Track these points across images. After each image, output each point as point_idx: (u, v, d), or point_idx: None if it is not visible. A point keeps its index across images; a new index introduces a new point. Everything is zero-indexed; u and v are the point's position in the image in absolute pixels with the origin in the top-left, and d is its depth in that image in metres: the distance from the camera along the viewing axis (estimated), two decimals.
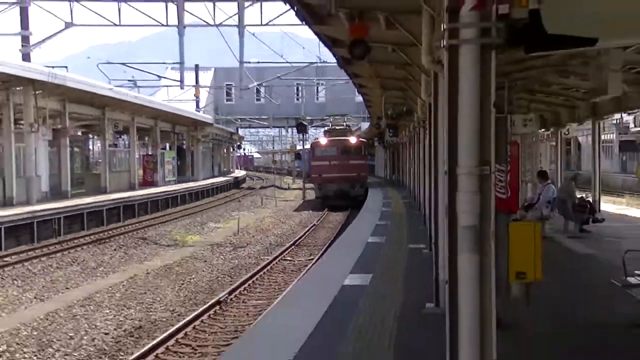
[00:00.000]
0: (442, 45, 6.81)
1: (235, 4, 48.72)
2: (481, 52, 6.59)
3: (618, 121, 73.56)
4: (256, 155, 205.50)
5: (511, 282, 12.22)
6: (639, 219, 32.34)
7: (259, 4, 48.87)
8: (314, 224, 47.78)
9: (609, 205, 41.14)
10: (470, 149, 6.57)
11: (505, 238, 10.69)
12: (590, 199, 33.13)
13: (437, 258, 14.87)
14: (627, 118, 70.16)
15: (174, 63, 68.54)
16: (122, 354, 18.24)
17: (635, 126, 69.01)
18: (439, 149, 14.26)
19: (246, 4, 48.53)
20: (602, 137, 52.00)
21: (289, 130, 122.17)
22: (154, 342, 18.49)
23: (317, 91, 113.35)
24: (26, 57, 51.59)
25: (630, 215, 37.69)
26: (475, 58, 6.55)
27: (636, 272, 14.70)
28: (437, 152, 15.31)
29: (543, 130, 44.20)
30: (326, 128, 77.64)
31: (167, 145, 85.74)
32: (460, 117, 6.58)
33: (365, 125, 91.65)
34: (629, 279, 14.33)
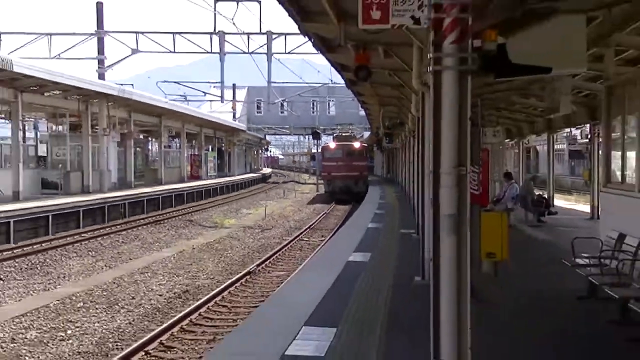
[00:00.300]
0: (428, 71, 6.79)
1: (265, 36, 48.99)
2: (459, 76, 6.54)
3: (568, 134, 73.91)
4: (280, 156, 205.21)
5: (482, 259, 12.22)
6: (585, 213, 32.26)
7: (283, 36, 48.96)
8: (325, 212, 47.56)
9: (561, 202, 41.16)
10: (450, 154, 6.53)
11: (477, 224, 10.67)
12: (546, 196, 33.19)
13: (423, 241, 14.92)
14: (575, 132, 70.62)
15: (216, 82, 68.46)
16: (172, 311, 18.22)
17: (581, 138, 69.17)
18: (425, 154, 14.27)
19: (273, 36, 48.74)
20: (555, 146, 52.01)
21: (306, 137, 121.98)
22: (198, 302, 18.52)
23: (329, 106, 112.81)
24: (101, 77, 51.72)
25: (577, 209, 37.74)
26: (454, 81, 6.52)
27: (582, 254, 14.67)
28: (424, 156, 15.34)
29: (508, 140, 44.18)
30: (335, 134, 75.77)
31: (210, 147, 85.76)
32: (442, 128, 6.54)
33: (367, 134, 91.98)
34: (577, 260, 14.30)
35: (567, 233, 21.81)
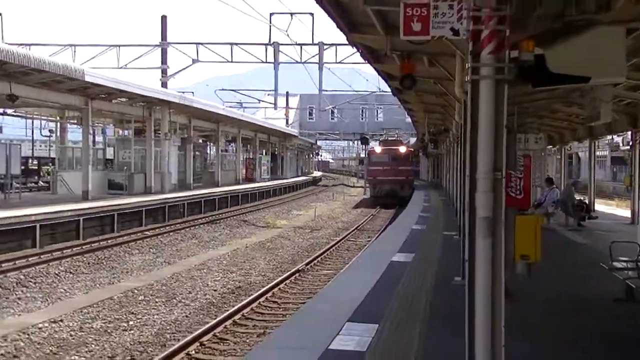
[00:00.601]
0: (467, 80, 6.79)
1: (317, 47, 49.12)
2: (496, 85, 6.56)
3: (610, 141, 73.10)
4: (331, 160, 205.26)
5: (516, 261, 12.13)
6: (625, 218, 31.89)
7: (334, 47, 48.95)
8: (372, 214, 47.43)
9: (601, 207, 40.59)
10: (486, 159, 6.55)
11: (512, 227, 10.62)
12: (587, 201, 32.84)
13: (463, 242, 14.87)
14: (617, 139, 69.75)
15: (270, 90, 68.64)
16: (226, 306, 18.37)
17: (623, 145, 68.32)
18: (466, 159, 14.23)
19: (325, 47, 48.79)
20: (597, 153, 51.55)
21: (355, 142, 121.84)
22: (250, 298, 18.64)
23: (377, 113, 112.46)
24: (164, 85, 52.22)
25: (618, 214, 37.21)
26: (491, 90, 6.53)
27: (620, 257, 14.54)
28: (465, 161, 15.29)
29: (550, 146, 43.83)
30: (381, 139, 74.16)
31: (264, 151, 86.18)
32: (479, 135, 6.56)
33: (413, 140, 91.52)
34: (614, 263, 14.18)
35: (606, 237, 21.53)
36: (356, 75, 68.30)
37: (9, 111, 45.98)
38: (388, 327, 11.14)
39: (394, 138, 66.97)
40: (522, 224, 12.21)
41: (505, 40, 6.64)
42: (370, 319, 11.60)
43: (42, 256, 25.60)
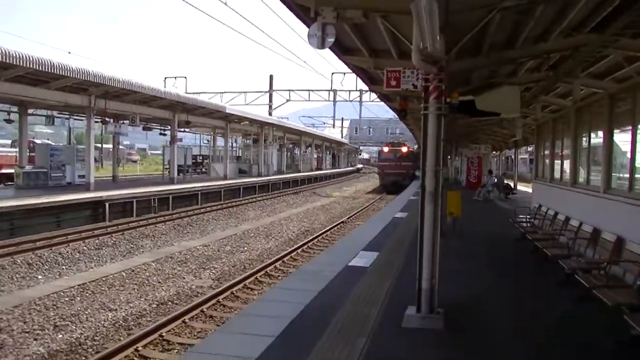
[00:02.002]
0: (421, 113, 6.91)
1: (359, 92, 49.53)
2: (437, 117, 6.65)
3: (528, 148, 71.57)
4: (369, 158, 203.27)
5: (447, 216, 12.27)
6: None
7: (369, 92, 48.97)
8: (391, 191, 47.39)
9: (522, 187, 39.69)
10: (431, 158, 6.64)
11: (445, 197, 10.77)
12: (512, 184, 32.45)
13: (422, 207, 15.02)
14: (530, 148, 68.17)
15: (330, 117, 68.92)
16: (299, 240, 18.63)
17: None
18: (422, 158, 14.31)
19: (364, 92, 48.95)
20: (523, 155, 50.77)
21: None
22: (312, 236, 18.92)
23: (396, 129, 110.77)
24: (270, 114, 52.67)
25: (530, 191, 36.67)
26: (434, 120, 6.60)
27: (520, 215, 14.56)
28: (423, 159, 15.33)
29: (493, 152, 43.22)
30: (389, 141, 65.77)
31: (328, 152, 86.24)
32: (428, 144, 6.68)
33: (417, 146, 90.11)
34: (517, 218, 14.22)
35: (519, 204, 21.39)
36: (384, 107, 68.01)
37: (187, 130, 47.33)
38: (384, 253, 11.25)
39: (398, 141, 59.91)
40: (451, 195, 12.38)
41: (443, 92, 6.75)
42: (375, 249, 11.69)
43: (201, 209, 26.31)
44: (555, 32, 9.07)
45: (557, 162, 14.99)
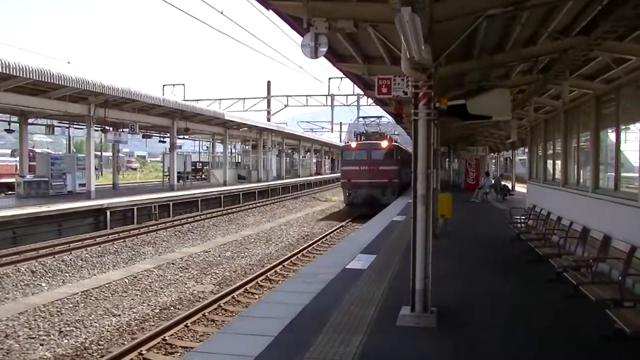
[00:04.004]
0: (411, 119, 7.02)
1: (356, 96, 49.76)
2: (427, 122, 6.75)
3: (525, 149, 71.62)
4: None
5: (438, 218, 12.47)
6: None
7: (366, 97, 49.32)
8: None
9: (520, 188, 39.87)
10: (422, 162, 6.76)
11: (437, 199, 10.97)
12: (509, 185, 32.68)
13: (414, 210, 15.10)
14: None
15: (328, 121, 69.11)
16: (299, 245, 18.82)
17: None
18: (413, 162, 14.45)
19: (361, 96, 49.12)
20: (521, 157, 51.12)
21: None
22: (312, 241, 19.11)
23: (394, 132, 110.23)
24: (268, 120, 52.88)
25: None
26: (424, 125, 6.70)
27: (515, 216, 14.74)
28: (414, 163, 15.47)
29: (491, 153, 43.46)
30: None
31: (326, 156, 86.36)
32: (419, 148, 6.80)
33: None
34: (512, 219, 14.41)
35: (515, 205, 21.58)
36: (381, 110, 67.92)
37: (186, 137, 47.64)
38: (381, 256, 11.42)
39: (376, 132, 36.72)
40: (442, 198, 12.56)
41: (432, 98, 6.90)
42: (372, 252, 11.84)
43: (201, 216, 26.51)
44: (543, 36, 9.34)
45: (550, 162, 15.24)
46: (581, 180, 11.17)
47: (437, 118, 7.22)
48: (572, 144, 11.98)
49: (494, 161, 49.18)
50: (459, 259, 10.94)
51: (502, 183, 31.60)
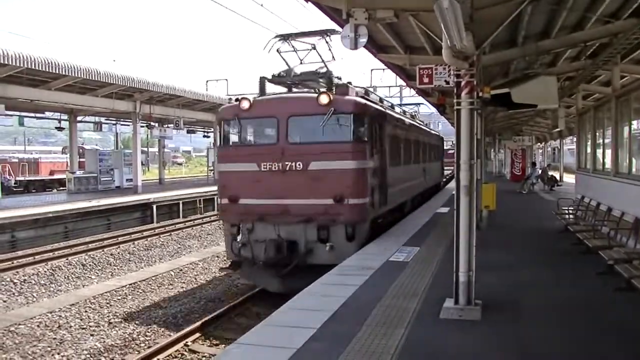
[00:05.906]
0: (454, 108, 6.92)
1: (399, 87, 49.22)
2: (470, 111, 6.66)
3: (574, 138, 69.72)
4: None
5: (482, 209, 12.25)
6: None
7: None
8: None
9: (568, 179, 38.97)
10: (465, 153, 6.67)
11: (480, 190, 10.78)
12: (557, 175, 31.91)
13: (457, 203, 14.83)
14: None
15: None
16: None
17: None
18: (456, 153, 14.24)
19: (403, 87, 48.49)
20: (568, 146, 49.79)
21: None
22: None
23: (438, 125, 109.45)
24: None
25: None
26: (467, 114, 6.59)
27: (563, 207, 14.39)
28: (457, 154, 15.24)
29: (537, 143, 42.45)
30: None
31: None
32: (462, 139, 6.72)
33: None
34: (560, 210, 14.07)
35: (564, 196, 21.05)
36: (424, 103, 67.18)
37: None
38: (424, 248, 11.29)
39: (313, 71, 14.16)
40: (486, 188, 12.32)
41: (474, 87, 6.79)
42: (415, 245, 11.69)
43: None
44: (591, 20, 9.04)
45: (599, 151, 14.76)
46: (633, 170, 10.77)
47: (481, 107, 7.07)
48: (623, 132, 11.55)
49: (540, 151, 48.01)
50: (505, 252, 10.73)
51: (550, 173, 30.92)
